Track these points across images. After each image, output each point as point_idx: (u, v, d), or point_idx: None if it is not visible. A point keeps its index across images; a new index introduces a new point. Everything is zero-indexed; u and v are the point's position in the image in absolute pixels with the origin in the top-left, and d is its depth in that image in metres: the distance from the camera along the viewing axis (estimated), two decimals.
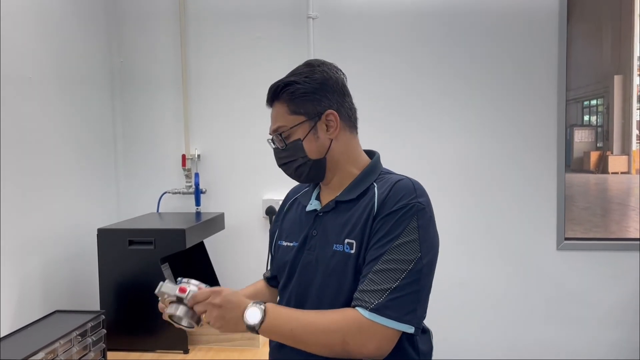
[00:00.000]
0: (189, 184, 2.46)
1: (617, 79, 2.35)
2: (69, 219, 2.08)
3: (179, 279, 1.20)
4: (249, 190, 2.45)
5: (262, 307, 1.12)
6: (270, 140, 1.30)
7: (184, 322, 1.16)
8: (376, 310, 1.09)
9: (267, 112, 1.29)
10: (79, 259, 2.11)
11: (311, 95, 1.23)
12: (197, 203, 2.44)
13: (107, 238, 1.90)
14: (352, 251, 1.18)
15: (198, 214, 2.37)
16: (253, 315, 1.11)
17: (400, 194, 1.16)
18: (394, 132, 2.36)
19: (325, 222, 1.26)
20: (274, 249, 1.42)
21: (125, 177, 2.49)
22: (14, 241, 1.78)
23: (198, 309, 1.13)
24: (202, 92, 2.43)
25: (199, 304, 1.13)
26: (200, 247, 2.29)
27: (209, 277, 2.27)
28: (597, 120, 2.39)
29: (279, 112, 1.26)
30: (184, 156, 2.43)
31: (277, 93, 1.25)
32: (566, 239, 2.32)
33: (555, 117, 2.30)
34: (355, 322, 1.10)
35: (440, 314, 2.32)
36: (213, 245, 2.36)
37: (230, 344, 1.90)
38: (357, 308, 1.11)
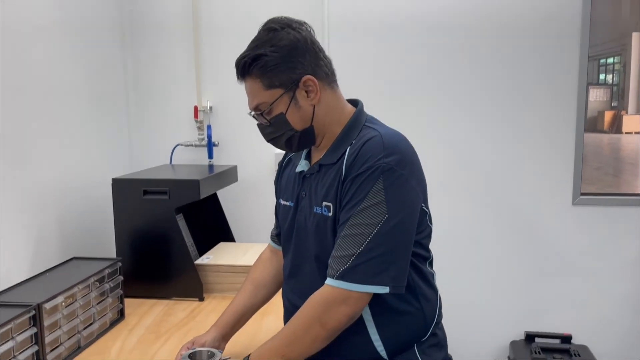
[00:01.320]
0: (202, 137, 2.44)
1: (635, 37, 2.28)
2: (83, 169, 2.08)
3: (209, 350, 1.29)
4: (261, 143, 2.40)
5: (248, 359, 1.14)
6: (252, 115, 1.25)
7: None
8: (341, 277, 1.09)
9: None
10: (94, 208, 2.12)
11: (283, 64, 1.16)
12: (210, 156, 2.43)
13: (122, 188, 1.91)
14: (330, 214, 1.18)
15: (211, 166, 2.36)
16: None
17: (367, 155, 1.12)
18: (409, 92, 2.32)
19: (311, 184, 1.25)
20: (277, 206, 1.42)
21: (137, 128, 2.47)
22: (31, 191, 1.79)
23: None
24: (213, 43, 2.39)
25: None
26: (214, 198, 2.29)
27: (222, 229, 2.29)
28: (612, 79, 2.33)
29: (253, 88, 1.20)
30: (195, 108, 2.41)
31: (247, 69, 1.18)
32: (582, 194, 2.30)
33: (577, 74, 2.25)
34: (326, 299, 1.11)
35: (455, 269, 2.36)
36: (226, 197, 2.36)
37: None
38: (326, 281, 1.12)
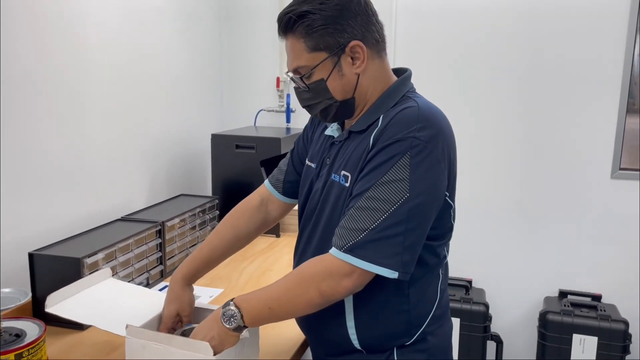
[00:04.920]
0: (281, 104, 2.84)
1: None
2: (186, 126, 2.53)
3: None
4: None
5: (233, 304, 1.06)
6: (289, 77, 1.17)
7: None
8: (350, 250, 1.00)
9: None
10: (196, 157, 2.58)
11: (331, 26, 1.06)
12: (288, 120, 2.83)
13: (218, 142, 2.34)
14: (347, 184, 1.09)
15: (288, 129, 2.75)
16: (231, 318, 1.05)
17: (398, 126, 1.02)
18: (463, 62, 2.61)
19: (337, 151, 1.17)
20: (296, 160, 1.37)
21: (229, 95, 2.91)
22: (147, 143, 2.24)
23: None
24: None
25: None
26: None
27: None
28: None
29: (296, 49, 1.10)
30: (277, 79, 2.81)
31: (291, 26, 1.08)
32: (621, 168, 2.52)
33: (624, 50, 2.43)
34: (331, 268, 1.01)
35: (499, 229, 2.67)
36: None
37: None
38: (331, 251, 1.03)
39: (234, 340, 1.08)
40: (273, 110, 2.84)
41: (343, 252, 1.01)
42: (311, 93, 1.13)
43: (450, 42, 2.62)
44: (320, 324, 1.18)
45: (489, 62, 2.59)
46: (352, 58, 1.09)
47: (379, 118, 1.09)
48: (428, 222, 1.05)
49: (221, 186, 2.35)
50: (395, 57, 2.64)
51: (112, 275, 1.49)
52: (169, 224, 1.85)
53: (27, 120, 1.61)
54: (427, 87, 2.82)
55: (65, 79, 1.75)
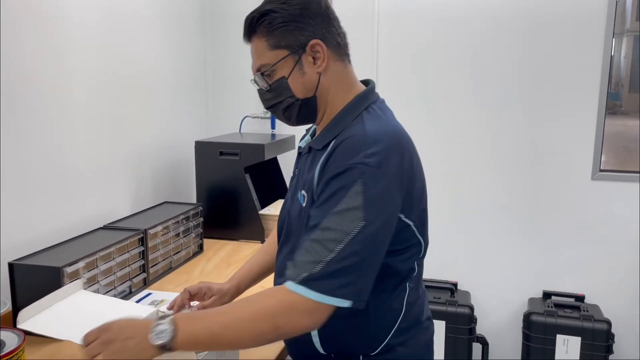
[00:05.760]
0: (266, 110, 2.85)
1: None
2: (170, 133, 2.54)
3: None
4: None
5: (170, 319, 0.95)
6: (252, 81, 1.18)
7: None
8: (305, 283, 0.97)
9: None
10: (180, 164, 2.58)
11: (292, 24, 1.09)
12: (273, 126, 2.84)
13: (203, 148, 2.35)
14: (304, 204, 1.11)
15: (273, 135, 2.77)
16: (160, 333, 0.94)
17: (347, 153, 1.02)
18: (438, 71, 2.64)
19: (303, 164, 1.18)
20: None
21: (214, 102, 2.92)
22: (131, 151, 2.24)
23: (92, 353, 0.95)
24: None
25: (90, 346, 0.96)
26: (274, 162, 2.71)
27: (281, 187, 2.70)
28: None
29: (258, 47, 1.13)
30: None
31: (254, 26, 1.12)
32: (601, 170, 2.55)
33: (601, 53, 2.46)
34: (286, 302, 0.97)
35: (484, 233, 2.70)
36: (285, 161, 2.77)
37: None
38: (286, 284, 0.99)
39: (148, 354, 0.94)
40: (258, 117, 2.86)
41: (298, 283, 0.98)
42: (273, 92, 1.15)
43: (431, 47, 2.65)
44: None
45: (470, 67, 2.62)
46: (313, 58, 1.11)
47: (332, 140, 1.09)
48: (383, 247, 1.04)
49: (206, 193, 2.36)
50: (378, 63, 2.67)
51: (91, 285, 1.49)
52: (151, 231, 1.86)
53: (5, 127, 1.59)
54: (409, 91, 2.86)
55: (44, 85, 1.74)
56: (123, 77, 2.16)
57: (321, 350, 1.15)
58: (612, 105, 3.18)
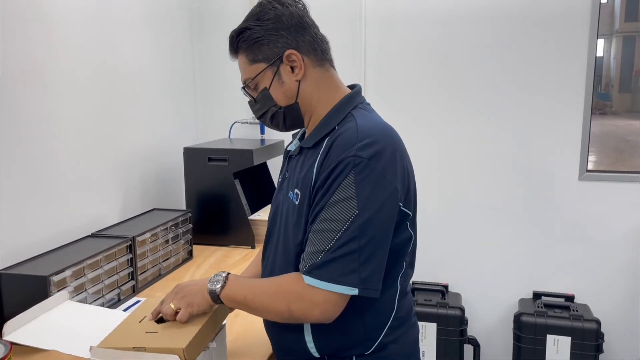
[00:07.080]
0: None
1: None
2: (159, 140, 2.53)
3: None
4: None
5: (225, 275, 1.16)
6: (244, 93, 1.26)
7: None
8: (309, 272, 1.05)
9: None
10: (169, 170, 2.58)
11: (266, 38, 1.16)
12: (262, 132, 2.85)
13: (191, 155, 2.35)
14: (297, 202, 1.15)
15: (262, 140, 2.77)
16: (215, 282, 1.14)
17: (340, 149, 1.08)
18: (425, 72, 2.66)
19: (293, 166, 1.24)
20: None
21: (202, 107, 2.92)
22: (120, 157, 2.23)
23: (169, 302, 1.17)
24: None
25: (167, 299, 1.18)
26: (264, 167, 2.71)
27: (271, 192, 2.69)
28: None
29: (241, 63, 1.22)
30: None
31: (234, 43, 1.21)
32: (588, 170, 2.57)
33: (586, 53, 2.49)
34: (297, 287, 1.06)
35: (472, 234, 2.71)
36: (275, 166, 2.78)
37: None
38: (300, 272, 1.08)
39: (204, 304, 1.15)
40: (247, 122, 2.86)
41: (304, 274, 1.06)
42: (259, 104, 1.22)
43: (417, 50, 2.66)
44: (280, 333, 1.23)
45: (456, 69, 2.64)
46: (291, 67, 1.18)
47: (325, 138, 1.15)
48: (384, 235, 1.08)
49: (195, 199, 2.36)
50: (365, 67, 2.68)
51: (79, 293, 1.49)
52: (140, 238, 1.86)
53: None
54: (397, 95, 2.88)
55: (29, 91, 1.73)
56: (111, 83, 2.16)
57: (315, 354, 1.17)
58: (603, 106, 3.23)
